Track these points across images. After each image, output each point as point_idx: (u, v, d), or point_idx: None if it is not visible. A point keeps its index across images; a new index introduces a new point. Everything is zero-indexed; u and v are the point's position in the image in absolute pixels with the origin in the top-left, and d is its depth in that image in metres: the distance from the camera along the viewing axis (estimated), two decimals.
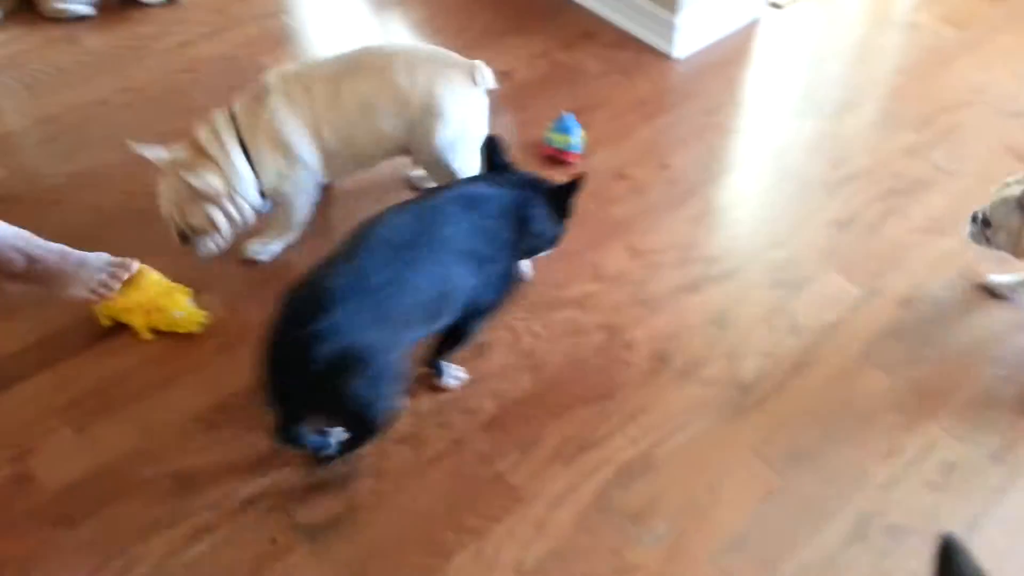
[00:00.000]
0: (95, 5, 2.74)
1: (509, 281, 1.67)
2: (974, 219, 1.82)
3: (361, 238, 1.47)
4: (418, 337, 1.57)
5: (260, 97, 1.81)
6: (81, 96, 2.46)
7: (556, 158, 2.24)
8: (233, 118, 1.82)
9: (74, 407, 1.72)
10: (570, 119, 2.23)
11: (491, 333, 1.83)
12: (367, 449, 1.64)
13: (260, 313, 1.88)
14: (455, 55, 1.92)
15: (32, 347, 1.82)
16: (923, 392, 1.77)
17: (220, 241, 1.87)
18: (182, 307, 1.82)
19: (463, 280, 1.53)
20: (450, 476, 1.62)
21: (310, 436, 1.59)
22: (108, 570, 1.49)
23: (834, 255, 2.04)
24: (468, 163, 1.91)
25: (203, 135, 1.81)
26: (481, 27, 2.73)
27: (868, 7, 2.90)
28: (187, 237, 1.84)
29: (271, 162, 1.83)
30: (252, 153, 1.81)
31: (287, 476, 1.61)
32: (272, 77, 1.83)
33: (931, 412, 1.73)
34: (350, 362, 1.38)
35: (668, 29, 2.59)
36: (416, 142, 1.88)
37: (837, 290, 1.97)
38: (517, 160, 1.74)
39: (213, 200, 1.79)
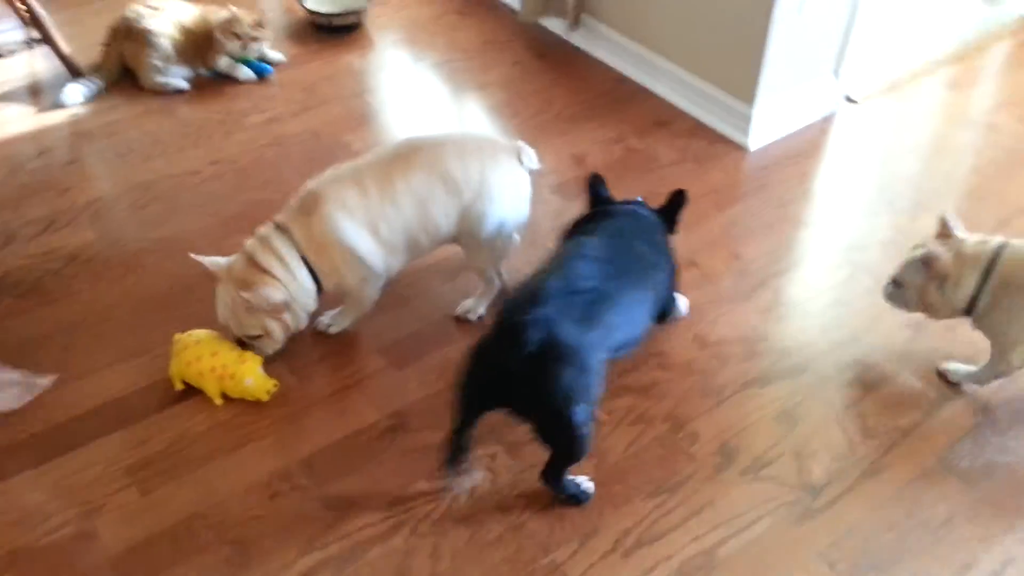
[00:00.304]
0: (190, 80, 2.89)
1: (674, 282, 1.92)
2: (890, 281, 1.89)
3: (567, 255, 1.69)
4: (618, 346, 1.67)
5: (311, 208, 1.83)
6: (174, 165, 2.57)
7: None
8: (285, 230, 1.85)
9: (142, 468, 1.76)
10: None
11: None
12: (426, 527, 1.63)
13: (327, 383, 1.93)
14: (500, 138, 1.97)
15: (108, 405, 1.87)
16: (999, 502, 1.70)
17: (275, 346, 1.92)
18: (253, 374, 1.86)
19: (647, 287, 1.74)
20: (507, 562, 1.60)
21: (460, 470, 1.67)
22: None
23: (908, 356, 1.99)
24: (509, 242, 1.99)
25: (255, 249, 1.84)
26: (557, 112, 2.79)
27: (946, 105, 2.88)
28: (244, 343, 1.90)
29: (333, 269, 1.87)
30: (313, 263, 1.86)
31: (344, 550, 1.61)
32: (320, 186, 1.85)
33: (1008, 525, 1.66)
34: (559, 351, 1.47)
35: (743, 120, 2.61)
36: (467, 226, 1.92)
37: (911, 392, 1.92)
38: None
39: (270, 314, 1.85)
